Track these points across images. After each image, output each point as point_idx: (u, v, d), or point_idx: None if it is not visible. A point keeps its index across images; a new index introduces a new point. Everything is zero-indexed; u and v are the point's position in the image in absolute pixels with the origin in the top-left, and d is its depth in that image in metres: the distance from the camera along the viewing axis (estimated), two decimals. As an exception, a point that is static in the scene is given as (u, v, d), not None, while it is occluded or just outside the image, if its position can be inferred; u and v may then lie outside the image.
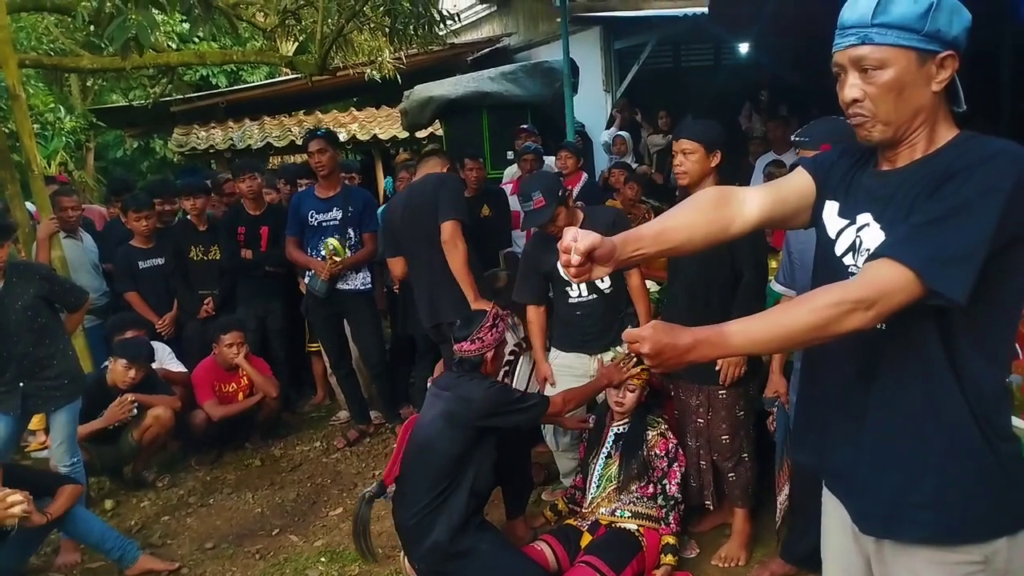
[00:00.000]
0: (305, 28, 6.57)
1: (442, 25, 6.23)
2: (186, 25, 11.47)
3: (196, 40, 12.53)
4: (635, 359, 3.02)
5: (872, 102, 1.33)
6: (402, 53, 6.77)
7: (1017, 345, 2.34)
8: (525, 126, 6.04)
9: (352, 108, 11.42)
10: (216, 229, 4.98)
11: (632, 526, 2.99)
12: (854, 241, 1.41)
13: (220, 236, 4.92)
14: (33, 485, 2.99)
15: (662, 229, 1.45)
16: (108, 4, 4.63)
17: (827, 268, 1.46)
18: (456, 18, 7.06)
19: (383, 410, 4.81)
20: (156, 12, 4.78)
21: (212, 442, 4.57)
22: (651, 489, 3.02)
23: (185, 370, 4.62)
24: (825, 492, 1.58)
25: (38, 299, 3.34)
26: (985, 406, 1.32)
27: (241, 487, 4.18)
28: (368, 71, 6.89)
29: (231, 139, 9.69)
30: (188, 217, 5.05)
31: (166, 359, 4.62)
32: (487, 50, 11.01)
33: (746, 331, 1.27)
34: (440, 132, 7.76)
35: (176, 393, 4.35)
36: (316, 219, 4.48)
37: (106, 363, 4.11)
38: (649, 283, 3.64)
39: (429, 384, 3.21)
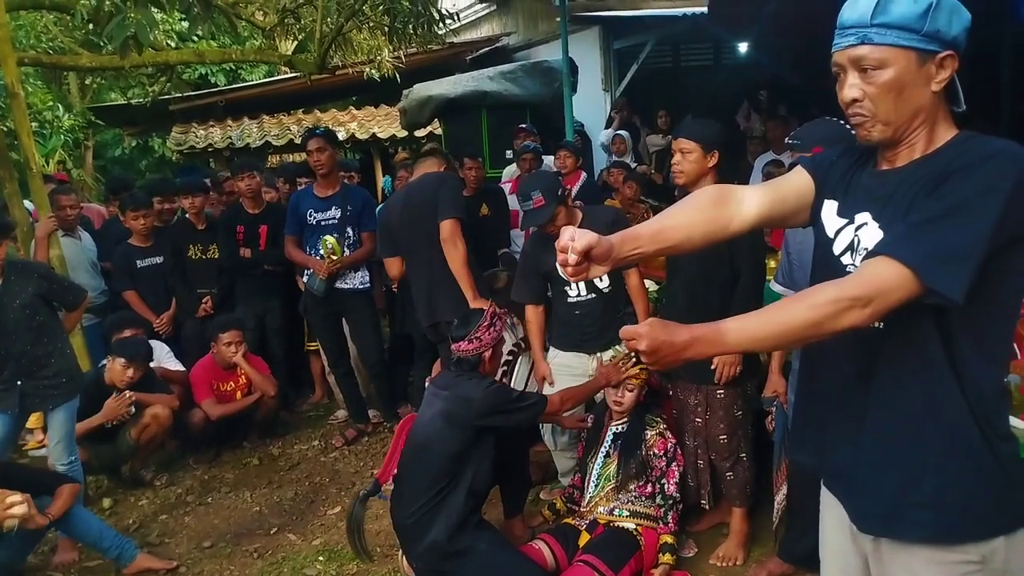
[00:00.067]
0: (304, 27, 6.55)
1: (441, 24, 6.22)
2: (185, 24, 11.43)
3: (195, 39, 12.50)
4: (634, 359, 3.03)
5: (872, 102, 1.33)
6: (401, 52, 6.76)
7: (1016, 345, 2.34)
8: (524, 125, 6.04)
9: (351, 107, 11.41)
10: (215, 228, 4.98)
11: (630, 525, 2.99)
12: (852, 240, 1.41)
13: (219, 235, 4.92)
14: (31, 484, 2.99)
15: (660, 228, 1.45)
16: (107, 2, 4.62)
17: (825, 267, 1.46)
18: (455, 17, 7.05)
19: (381, 409, 4.81)
20: (155, 10, 4.78)
21: (210, 441, 4.57)
22: (649, 488, 3.02)
23: (183, 369, 4.62)
24: (824, 491, 1.58)
25: (36, 297, 3.34)
26: (985, 406, 1.32)
27: (239, 486, 4.18)
28: (367, 70, 6.87)
29: (230, 138, 9.69)
30: (187, 216, 5.05)
31: (164, 358, 4.61)
32: (486, 49, 11.01)
33: (743, 328, 1.27)
34: (439, 131, 7.76)
35: (174, 392, 4.35)
36: (315, 218, 4.48)
37: (104, 362, 4.10)
38: (648, 283, 3.65)
39: (427, 383, 3.21)
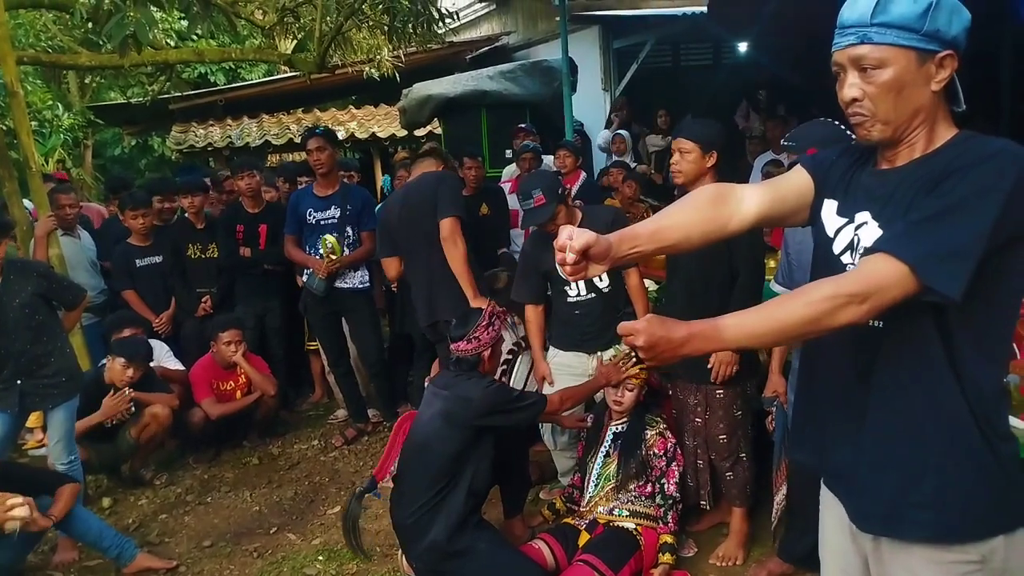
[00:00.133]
0: (304, 26, 6.55)
1: (441, 23, 6.22)
2: (184, 22, 11.43)
3: (194, 38, 12.50)
4: (634, 359, 3.03)
5: (871, 101, 1.33)
6: (401, 51, 6.76)
7: (1015, 345, 2.34)
8: (523, 125, 6.04)
9: (351, 106, 11.40)
10: (214, 227, 4.98)
11: (630, 525, 2.99)
12: (852, 239, 1.41)
13: (219, 234, 4.91)
14: (31, 483, 2.99)
15: (658, 227, 1.45)
16: (106, 1, 4.62)
17: (825, 266, 1.46)
18: (455, 16, 7.06)
19: (381, 408, 4.81)
20: (154, 9, 4.78)
21: (210, 440, 4.57)
22: (649, 488, 3.02)
23: (183, 368, 4.61)
24: (824, 491, 1.58)
25: (36, 297, 3.34)
26: (985, 406, 1.32)
27: (239, 485, 4.18)
28: (367, 69, 6.87)
29: (229, 137, 9.68)
30: (186, 215, 5.04)
31: (164, 357, 4.61)
32: (486, 49, 11.00)
33: (740, 324, 1.27)
34: (439, 131, 7.75)
35: (174, 391, 4.35)
36: (315, 217, 4.47)
37: (104, 361, 4.10)
38: (648, 282, 3.65)
39: (427, 383, 3.21)
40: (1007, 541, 1.33)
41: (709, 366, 2.87)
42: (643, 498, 3.03)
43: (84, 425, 3.81)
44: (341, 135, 9.24)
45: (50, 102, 12.38)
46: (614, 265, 1.40)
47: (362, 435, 4.67)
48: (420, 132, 8.96)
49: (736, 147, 6.93)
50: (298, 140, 8.57)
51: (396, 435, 3.09)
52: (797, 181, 1.53)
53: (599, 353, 3.29)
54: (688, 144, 2.80)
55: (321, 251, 4.38)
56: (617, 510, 3.03)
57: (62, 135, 12.57)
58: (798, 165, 1.57)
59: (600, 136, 7.87)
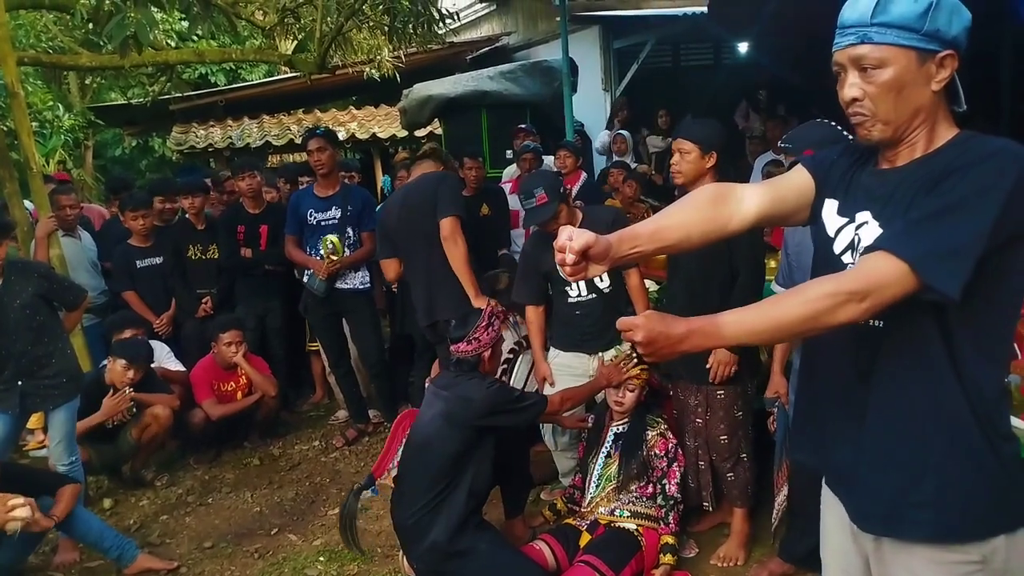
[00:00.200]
0: (304, 26, 6.55)
1: (441, 24, 6.22)
2: (185, 23, 11.44)
3: (195, 38, 12.50)
4: (635, 359, 3.02)
5: (872, 101, 1.33)
6: (401, 52, 6.76)
7: (1016, 345, 2.34)
8: (524, 125, 6.04)
9: (351, 107, 11.40)
10: (215, 228, 4.98)
11: (631, 526, 2.98)
12: (853, 239, 1.41)
13: (219, 235, 4.92)
14: (32, 484, 2.99)
15: (658, 227, 1.45)
16: (107, 2, 4.63)
17: (826, 266, 1.46)
18: (455, 17, 7.06)
19: (382, 409, 4.81)
20: (155, 10, 4.78)
21: (211, 441, 4.57)
22: (650, 489, 3.02)
23: (184, 369, 4.61)
24: (824, 491, 1.58)
25: (37, 297, 3.34)
26: (986, 406, 1.32)
27: (240, 486, 4.18)
28: (367, 70, 6.88)
29: (230, 138, 9.69)
30: (186, 216, 5.05)
31: (164, 358, 4.61)
32: (486, 49, 11.00)
33: (740, 321, 1.28)
34: (439, 131, 7.75)
35: (175, 392, 4.35)
36: (315, 218, 4.48)
37: (105, 362, 4.10)
38: (648, 282, 3.64)
39: (428, 384, 3.21)
40: (1008, 541, 1.33)
41: (708, 366, 2.87)
42: (644, 499, 3.03)
43: (85, 426, 3.81)
44: (341, 136, 9.24)
45: (51, 103, 12.38)
46: (614, 265, 1.40)
47: (363, 436, 4.67)
48: (420, 132, 8.96)
49: (736, 147, 6.92)
50: (299, 141, 8.58)
51: (395, 432, 3.10)
52: (797, 181, 1.53)
53: (600, 354, 3.29)
54: (688, 144, 2.81)
55: (322, 252, 4.37)
56: (618, 511, 3.03)
57: (63, 136, 12.57)
58: (799, 165, 1.57)
59: (599, 139, 7.87)
